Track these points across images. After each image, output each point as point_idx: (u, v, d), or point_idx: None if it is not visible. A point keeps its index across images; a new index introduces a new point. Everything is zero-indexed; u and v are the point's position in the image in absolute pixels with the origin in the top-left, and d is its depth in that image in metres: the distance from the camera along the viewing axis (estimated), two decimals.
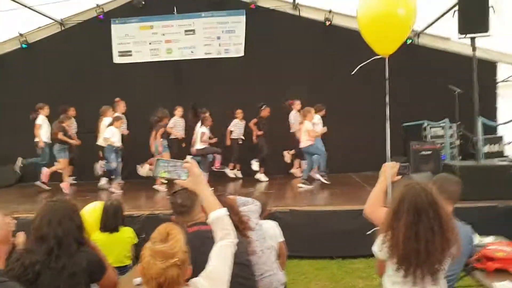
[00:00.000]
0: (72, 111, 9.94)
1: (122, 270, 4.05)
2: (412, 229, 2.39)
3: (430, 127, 10.09)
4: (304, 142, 8.87)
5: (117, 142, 8.95)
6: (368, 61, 4.83)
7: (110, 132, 8.85)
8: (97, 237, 4.09)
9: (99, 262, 2.73)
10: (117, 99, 9.80)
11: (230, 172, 10.24)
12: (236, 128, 10.36)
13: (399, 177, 3.48)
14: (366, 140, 10.31)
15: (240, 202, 3.46)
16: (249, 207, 3.39)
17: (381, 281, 2.71)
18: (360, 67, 4.80)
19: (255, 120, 10.13)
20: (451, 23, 9.19)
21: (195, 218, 2.66)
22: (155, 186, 8.92)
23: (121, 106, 9.75)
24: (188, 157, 2.35)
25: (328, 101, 9.45)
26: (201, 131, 9.17)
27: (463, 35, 6.43)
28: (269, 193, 8.19)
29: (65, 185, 9.11)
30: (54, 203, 2.71)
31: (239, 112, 10.36)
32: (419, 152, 9.15)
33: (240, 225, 2.92)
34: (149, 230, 5.88)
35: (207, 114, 9.48)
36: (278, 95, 10.46)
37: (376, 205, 3.22)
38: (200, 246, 2.24)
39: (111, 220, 4.15)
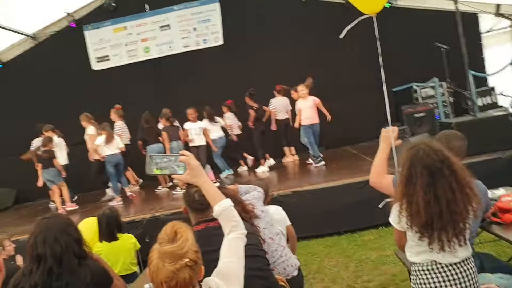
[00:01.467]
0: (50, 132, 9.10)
1: (130, 277, 3.94)
2: (430, 191, 2.26)
3: (420, 89, 9.99)
4: (315, 119, 8.49)
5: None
6: (355, 21, 4.71)
7: (100, 141, 8.32)
8: (99, 248, 3.97)
9: (104, 274, 2.60)
10: (118, 106, 9.42)
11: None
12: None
13: (400, 141, 3.38)
14: (358, 111, 10.22)
15: (242, 191, 3.34)
16: (253, 194, 3.26)
17: (396, 251, 2.59)
18: (348, 29, 4.63)
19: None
20: None
21: (209, 214, 2.53)
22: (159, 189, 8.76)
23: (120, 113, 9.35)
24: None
25: (315, 76, 9.27)
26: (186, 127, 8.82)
27: None
28: (267, 179, 8.06)
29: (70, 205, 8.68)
30: (47, 219, 2.57)
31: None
32: (412, 115, 9.07)
33: (246, 215, 2.79)
34: (151, 234, 5.80)
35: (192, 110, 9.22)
36: (265, 78, 10.28)
37: (381, 173, 3.11)
38: (209, 244, 2.11)
39: (106, 230, 4.02)
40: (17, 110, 10.65)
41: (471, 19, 10.11)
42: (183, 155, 2.06)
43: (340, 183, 6.57)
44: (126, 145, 8.93)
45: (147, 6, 10.80)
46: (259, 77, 10.15)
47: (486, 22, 10.55)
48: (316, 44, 10.41)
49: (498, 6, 10.11)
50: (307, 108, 8.49)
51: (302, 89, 8.54)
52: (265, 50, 10.45)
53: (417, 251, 2.39)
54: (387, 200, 2.84)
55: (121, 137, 8.66)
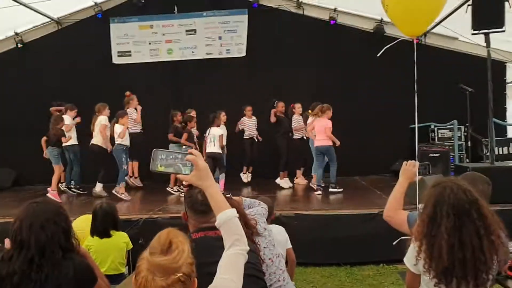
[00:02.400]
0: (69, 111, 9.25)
1: (117, 278, 3.74)
2: (455, 235, 2.06)
3: (438, 129, 9.82)
4: (322, 140, 8.20)
5: (126, 141, 8.26)
6: (395, 42, 4.57)
7: (119, 130, 8.18)
8: (89, 243, 3.80)
9: (88, 271, 2.41)
10: (127, 93, 9.35)
11: (243, 177, 9.63)
12: (246, 126, 9.65)
13: (419, 177, 3.20)
14: (372, 143, 10.06)
15: (245, 204, 3.15)
16: (256, 209, 3.07)
17: None
18: (387, 48, 4.49)
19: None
20: (459, 22, 9.00)
21: (211, 220, 2.35)
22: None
23: (134, 100, 9.29)
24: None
25: (333, 102, 9.08)
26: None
27: (477, 31, 6.11)
28: (272, 197, 7.86)
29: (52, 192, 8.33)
30: (36, 204, 2.40)
31: (249, 109, 9.66)
32: (427, 154, 8.88)
33: (247, 230, 2.60)
34: (146, 236, 5.57)
35: (192, 114, 9.17)
36: (281, 97, 10.17)
37: (396, 208, 2.93)
38: (207, 255, 1.92)
39: (100, 224, 3.83)
40: (29, 92, 10.58)
41: (498, 67, 9.94)
42: (191, 153, 1.87)
43: (346, 213, 6.38)
44: (135, 133, 9.00)
45: (176, 8, 10.75)
46: (275, 95, 10.03)
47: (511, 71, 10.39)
48: (338, 71, 10.28)
49: None
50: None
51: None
52: (285, 69, 10.32)
53: None
54: (403, 238, 2.63)
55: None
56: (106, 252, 3.75)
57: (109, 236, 3.82)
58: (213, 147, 8.42)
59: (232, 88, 10.39)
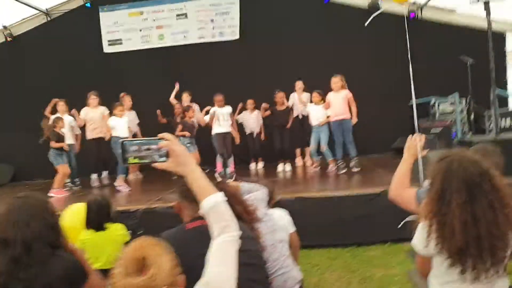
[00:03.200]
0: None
1: None
2: (467, 211, 1.88)
3: (438, 104, 9.63)
4: (345, 114, 7.92)
5: (123, 133, 7.98)
6: (380, 11, 4.40)
7: (113, 122, 8.06)
8: (84, 237, 3.66)
9: (78, 268, 2.27)
10: (122, 94, 9.23)
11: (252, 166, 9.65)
12: (246, 121, 9.57)
13: (426, 151, 3.04)
14: (371, 121, 9.88)
15: (244, 189, 3.01)
16: (255, 194, 2.93)
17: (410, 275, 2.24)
18: (373, 17, 4.29)
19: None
20: None
21: None
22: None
23: (127, 101, 9.11)
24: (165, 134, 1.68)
25: (329, 81, 8.92)
26: None
27: (476, 0, 5.91)
28: (274, 180, 7.72)
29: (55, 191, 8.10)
30: (22, 199, 2.25)
31: (250, 103, 9.48)
32: (428, 130, 8.72)
33: (247, 216, 2.46)
34: (146, 226, 5.43)
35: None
36: (278, 79, 9.98)
37: (403, 186, 2.77)
38: (203, 246, 1.75)
39: (94, 217, 3.68)
40: (21, 85, 10.41)
41: (497, 38, 9.72)
42: (163, 138, 1.66)
43: (348, 193, 6.23)
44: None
45: None
46: (272, 75, 9.86)
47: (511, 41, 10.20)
48: (334, 48, 10.08)
49: None
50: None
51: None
52: (281, 50, 10.13)
53: (446, 281, 2.02)
54: (410, 218, 2.47)
55: None
56: (102, 246, 3.60)
57: (104, 229, 3.68)
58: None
59: (226, 72, 10.18)
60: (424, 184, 2.40)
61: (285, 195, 6.12)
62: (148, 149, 1.67)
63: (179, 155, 1.66)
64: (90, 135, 8.82)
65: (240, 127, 9.46)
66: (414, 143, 2.86)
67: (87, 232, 3.67)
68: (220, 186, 2.54)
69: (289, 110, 9.26)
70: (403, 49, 9.41)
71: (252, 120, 9.44)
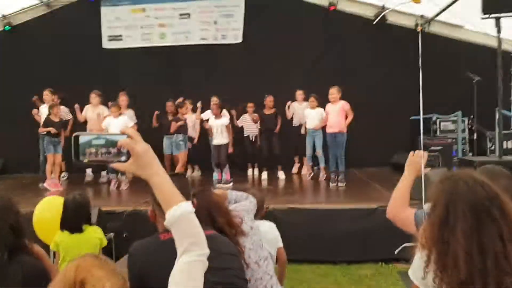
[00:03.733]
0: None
1: None
2: (473, 239, 1.64)
3: (440, 121, 9.45)
4: (340, 127, 7.76)
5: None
6: (389, 9, 4.21)
7: (107, 122, 8.02)
8: (59, 238, 3.43)
9: (40, 273, 2.05)
10: (121, 92, 9.03)
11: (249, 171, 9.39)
12: (246, 124, 9.26)
13: (428, 169, 2.82)
14: (370, 134, 9.70)
15: (230, 198, 2.78)
16: (243, 204, 2.70)
17: None
18: (383, 15, 4.09)
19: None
20: (465, 10, 8.63)
21: None
22: None
23: (124, 100, 8.92)
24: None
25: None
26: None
27: (487, 15, 5.72)
28: (267, 189, 7.50)
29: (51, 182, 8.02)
30: None
31: (250, 106, 9.15)
32: (428, 147, 8.53)
33: (229, 230, 2.24)
34: (131, 229, 5.16)
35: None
36: (279, 84, 9.80)
37: (402, 205, 2.56)
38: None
39: (72, 218, 3.44)
40: (18, 76, 10.18)
41: (504, 58, 9.54)
42: (124, 133, 1.39)
43: (342, 207, 6.02)
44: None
45: None
46: (273, 81, 9.67)
47: None
48: (337, 57, 9.92)
49: None
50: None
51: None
52: (282, 56, 9.93)
53: None
54: (407, 244, 2.24)
55: None
56: (77, 249, 3.35)
57: (81, 231, 3.44)
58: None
59: (227, 76, 9.99)
60: (425, 207, 2.18)
61: (276, 204, 5.91)
62: (105, 144, 1.41)
63: (140, 155, 1.38)
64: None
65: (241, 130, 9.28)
66: (416, 160, 2.65)
67: (62, 234, 3.44)
68: (203, 194, 2.34)
69: (277, 114, 9.09)
70: (406, 63, 9.25)
71: (252, 123, 9.20)
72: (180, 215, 1.38)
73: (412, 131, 9.76)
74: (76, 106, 8.65)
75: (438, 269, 1.69)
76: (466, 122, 9.27)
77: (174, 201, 1.40)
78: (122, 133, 1.39)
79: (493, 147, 8.62)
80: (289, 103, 9.06)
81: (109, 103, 8.31)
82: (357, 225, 5.74)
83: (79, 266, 1.28)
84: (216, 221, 2.23)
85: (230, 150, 8.52)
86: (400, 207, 2.57)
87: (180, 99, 9.07)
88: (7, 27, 10.43)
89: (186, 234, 1.40)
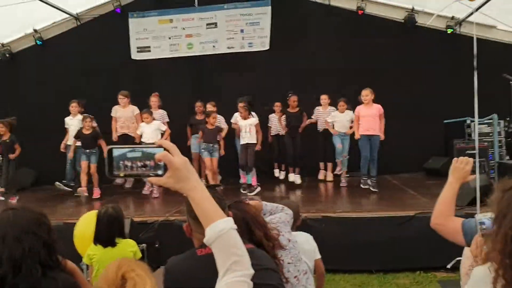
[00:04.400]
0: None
1: None
2: None
3: (475, 124, 9.15)
4: (376, 129, 7.65)
5: (149, 139, 7.93)
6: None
7: (141, 129, 8.21)
8: (92, 252, 3.40)
9: None
10: (153, 94, 9.16)
11: (276, 172, 9.40)
12: (273, 123, 9.41)
13: (473, 176, 2.67)
14: (403, 139, 9.48)
15: (265, 209, 2.69)
16: (279, 216, 2.61)
17: None
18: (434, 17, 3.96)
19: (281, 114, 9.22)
20: (496, 10, 8.38)
21: None
22: None
23: (155, 101, 9.09)
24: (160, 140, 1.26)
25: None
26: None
27: None
28: (298, 197, 7.38)
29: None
30: (13, 212, 2.00)
31: (277, 105, 9.31)
32: (464, 151, 8.28)
33: (268, 243, 2.15)
34: (163, 239, 5.12)
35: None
36: (307, 91, 9.70)
37: (447, 214, 2.44)
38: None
39: (105, 232, 3.40)
40: (48, 89, 10.38)
41: None
42: (160, 146, 1.33)
43: (378, 215, 5.86)
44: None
45: (196, 1, 10.38)
46: (300, 87, 9.58)
47: None
48: (367, 63, 9.74)
49: None
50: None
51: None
52: (311, 62, 9.86)
53: None
54: (459, 258, 2.11)
55: None
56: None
57: (114, 244, 3.40)
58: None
59: (255, 82, 9.94)
60: (477, 217, 2.04)
61: (308, 213, 5.79)
62: (144, 166, 1.34)
63: (178, 168, 1.32)
64: (118, 132, 8.90)
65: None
66: (461, 166, 2.51)
67: (95, 248, 3.40)
68: (238, 206, 2.26)
69: (302, 113, 9.02)
70: (439, 66, 9.05)
71: (278, 122, 9.22)
72: (220, 232, 1.31)
73: (446, 135, 9.53)
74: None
75: (509, 285, 1.56)
76: (502, 124, 8.96)
77: (214, 216, 1.33)
78: (159, 146, 1.33)
79: None
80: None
81: (144, 110, 8.44)
82: (393, 233, 5.57)
83: (121, 263, 1.22)
84: (254, 234, 2.14)
85: (258, 147, 8.35)
86: (445, 216, 2.45)
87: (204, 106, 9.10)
88: (38, 42, 10.64)
89: (228, 252, 1.31)
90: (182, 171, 1.31)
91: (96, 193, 8.21)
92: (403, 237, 5.40)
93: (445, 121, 9.42)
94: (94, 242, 3.41)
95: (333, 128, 8.50)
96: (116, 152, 1.35)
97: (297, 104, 8.94)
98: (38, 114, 10.27)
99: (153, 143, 1.35)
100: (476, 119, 2.95)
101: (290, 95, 8.96)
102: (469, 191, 5.15)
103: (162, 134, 8.36)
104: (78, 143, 8.38)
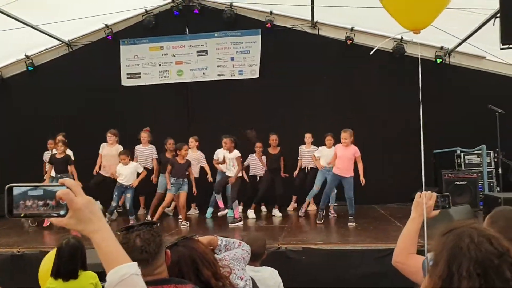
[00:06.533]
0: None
1: None
2: None
3: (464, 155, 9.08)
4: (350, 172, 7.68)
5: (127, 182, 7.95)
6: (391, 37, 4.05)
7: (117, 168, 8.13)
8: (51, 285, 3.27)
9: None
10: (144, 129, 9.12)
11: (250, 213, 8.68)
12: (253, 163, 9.13)
13: (437, 211, 2.56)
14: (392, 168, 9.43)
15: (221, 245, 2.60)
16: (234, 252, 2.51)
17: None
18: (379, 46, 3.93)
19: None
20: (486, 40, 8.41)
21: (155, 272, 1.82)
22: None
23: (144, 136, 9.01)
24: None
25: (350, 125, 8.54)
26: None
27: (506, 45, 5.50)
28: (281, 227, 7.25)
29: None
30: None
31: (258, 146, 8.95)
32: (453, 182, 8.20)
33: (216, 283, 2.05)
34: None
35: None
36: (297, 120, 9.68)
37: (408, 251, 2.35)
38: None
39: (67, 265, 3.27)
40: (39, 115, 10.36)
41: None
42: (63, 185, 1.25)
43: (362, 247, 5.71)
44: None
45: (187, 29, 10.46)
46: (290, 118, 9.59)
47: None
48: (356, 92, 9.77)
49: None
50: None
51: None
52: (301, 91, 9.91)
53: None
54: None
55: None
56: None
57: (76, 277, 3.28)
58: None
59: (245, 110, 9.94)
60: (429, 256, 1.95)
61: (288, 244, 5.68)
62: (45, 205, 1.26)
63: (79, 208, 1.24)
64: (102, 170, 8.81)
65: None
66: (423, 201, 2.43)
67: (54, 281, 3.27)
68: (186, 243, 2.17)
69: (281, 154, 8.82)
70: (429, 96, 8.98)
71: (259, 164, 9.00)
72: (122, 276, 1.22)
73: (436, 165, 9.45)
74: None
75: None
76: (492, 155, 8.90)
77: (116, 260, 1.24)
78: (62, 185, 1.26)
79: None
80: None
81: (120, 151, 8.29)
82: (377, 266, 5.43)
83: None
84: (201, 273, 2.06)
85: (232, 180, 8.05)
86: (407, 254, 2.36)
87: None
88: (30, 67, 10.67)
89: None
90: (84, 211, 1.24)
91: (47, 221, 7.80)
92: (384, 270, 5.25)
93: (435, 151, 9.36)
94: (54, 276, 3.28)
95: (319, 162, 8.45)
96: (16, 190, 1.26)
97: (277, 143, 8.77)
98: (28, 139, 10.22)
99: (55, 183, 1.28)
100: (422, 146, 2.88)
101: (270, 134, 8.80)
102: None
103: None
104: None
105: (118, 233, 1.82)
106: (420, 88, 2.81)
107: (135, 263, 1.27)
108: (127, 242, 1.78)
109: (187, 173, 8.04)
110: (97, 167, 8.80)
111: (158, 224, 1.88)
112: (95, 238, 1.24)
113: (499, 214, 2.36)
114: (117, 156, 8.44)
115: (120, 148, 8.68)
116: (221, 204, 8.08)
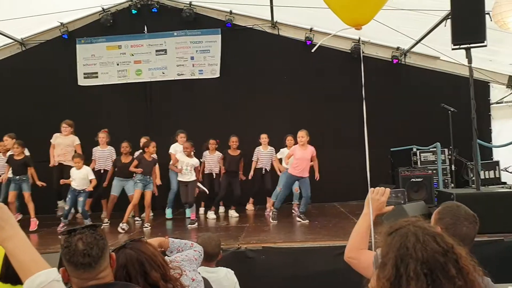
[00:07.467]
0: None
1: None
2: None
3: (420, 152, 9.32)
4: (306, 171, 7.70)
5: (79, 186, 7.65)
6: (332, 34, 4.09)
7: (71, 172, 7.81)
8: None
9: None
10: (102, 130, 8.80)
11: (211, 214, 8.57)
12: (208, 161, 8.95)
13: (390, 207, 2.59)
14: (351, 166, 9.54)
15: (173, 247, 2.56)
16: (186, 253, 2.48)
17: None
18: (321, 43, 3.96)
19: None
20: (441, 41, 8.64)
21: (99, 276, 1.76)
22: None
23: (103, 137, 8.71)
24: None
25: (309, 124, 8.59)
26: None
27: (457, 45, 5.64)
28: (242, 227, 7.23)
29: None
30: None
31: (212, 143, 8.83)
32: (409, 179, 8.37)
33: (165, 285, 2.01)
34: None
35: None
36: (257, 119, 9.68)
37: (360, 247, 2.37)
38: None
39: (13, 268, 3.12)
40: None
41: (482, 88, 9.54)
42: None
43: (321, 245, 5.73)
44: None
45: (146, 28, 10.32)
46: (250, 117, 9.61)
47: (496, 92, 10.00)
48: (315, 92, 9.87)
49: (511, 77, 9.64)
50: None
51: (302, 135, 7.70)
52: (260, 90, 9.95)
53: None
54: None
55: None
56: None
57: (22, 282, 3.14)
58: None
59: (205, 110, 9.88)
60: (378, 252, 1.96)
61: (248, 244, 5.66)
62: None
63: None
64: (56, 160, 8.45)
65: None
66: (376, 197, 2.47)
67: (3, 286, 3.14)
68: (134, 245, 2.12)
69: (241, 157, 8.77)
70: (386, 95, 9.24)
71: (213, 160, 8.89)
72: (39, 285, 1.17)
73: (394, 162, 9.64)
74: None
75: None
76: (447, 153, 9.15)
77: (32, 269, 1.20)
78: None
79: (473, 178, 8.50)
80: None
81: (74, 154, 7.98)
82: (336, 263, 5.45)
83: None
84: (149, 276, 2.01)
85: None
86: (358, 249, 2.38)
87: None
88: None
89: None
90: None
91: (33, 224, 7.63)
92: (338, 269, 5.29)
93: (392, 149, 9.55)
94: (3, 280, 3.14)
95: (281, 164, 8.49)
96: None
97: (237, 146, 8.70)
98: None
99: None
100: (366, 142, 2.92)
101: (231, 136, 8.72)
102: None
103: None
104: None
105: (60, 236, 1.76)
106: (363, 85, 2.84)
107: (55, 269, 1.23)
108: (68, 246, 1.72)
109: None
110: (52, 160, 8.42)
111: (102, 227, 1.82)
112: (7, 246, 1.19)
113: (446, 210, 2.41)
114: (72, 146, 8.29)
115: (76, 139, 8.43)
116: (193, 216, 7.90)
